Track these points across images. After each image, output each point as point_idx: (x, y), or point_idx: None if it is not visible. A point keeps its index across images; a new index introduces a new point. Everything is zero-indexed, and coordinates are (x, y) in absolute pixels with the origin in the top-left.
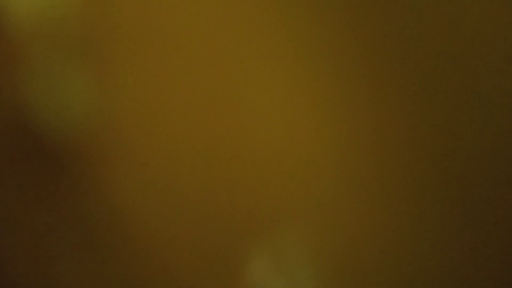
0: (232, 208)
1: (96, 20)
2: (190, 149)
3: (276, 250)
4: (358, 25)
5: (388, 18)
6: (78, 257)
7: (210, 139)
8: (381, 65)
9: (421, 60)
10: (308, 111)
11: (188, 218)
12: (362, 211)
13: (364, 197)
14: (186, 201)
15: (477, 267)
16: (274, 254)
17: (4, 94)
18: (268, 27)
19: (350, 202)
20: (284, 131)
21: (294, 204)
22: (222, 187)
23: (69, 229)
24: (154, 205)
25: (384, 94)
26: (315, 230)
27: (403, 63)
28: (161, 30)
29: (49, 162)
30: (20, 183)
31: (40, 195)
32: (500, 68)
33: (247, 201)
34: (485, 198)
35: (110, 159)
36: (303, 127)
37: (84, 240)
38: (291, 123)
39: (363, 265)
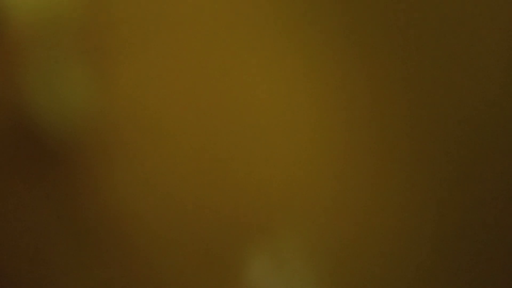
0: (231, 208)
1: (96, 20)
2: (189, 148)
3: (275, 250)
4: (358, 26)
5: (389, 19)
6: (77, 257)
7: (209, 139)
8: (381, 66)
9: (421, 61)
10: (308, 111)
11: (187, 217)
12: (362, 212)
13: (364, 197)
14: (185, 200)
15: (478, 268)
16: (274, 254)
17: (3, 94)
18: (267, 27)
19: (350, 202)
20: (283, 131)
21: (294, 204)
22: (221, 187)
23: (68, 228)
24: (154, 205)
25: (383, 95)
26: (315, 231)
27: (404, 64)
28: (161, 30)
29: (49, 162)
30: (19, 182)
31: (39, 195)
32: (500, 68)
33: (247, 201)
34: (486, 199)
35: (110, 159)
36: (303, 127)
37: (83, 240)
38: (290, 123)
39: (363, 265)
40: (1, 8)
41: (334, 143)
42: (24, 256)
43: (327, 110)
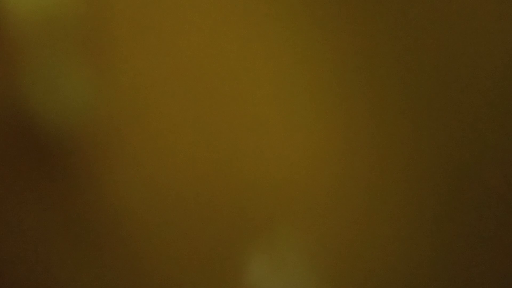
0: (231, 208)
1: (96, 19)
2: (189, 148)
3: (275, 251)
4: (357, 27)
5: (388, 18)
6: (77, 257)
7: (209, 139)
8: (381, 65)
9: (420, 62)
10: (307, 112)
11: (187, 217)
12: (362, 212)
13: (363, 197)
14: (185, 201)
15: (477, 268)
16: (273, 255)
17: (3, 94)
18: (267, 29)
19: (349, 203)
20: (283, 132)
21: (293, 205)
22: (221, 187)
23: (68, 228)
24: (153, 204)
25: (383, 95)
26: (315, 231)
27: (403, 65)
28: (161, 29)
29: (48, 161)
30: (18, 182)
31: (39, 194)
32: (500, 68)
33: (246, 201)
34: (486, 199)
35: (110, 159)
36: (302, 127)
37: (83, 239)
38: (290, 123)
39: (363, 265)
40: (1, 8)
41: (334, 143)
42: (24, 256)
43: (327, 110)
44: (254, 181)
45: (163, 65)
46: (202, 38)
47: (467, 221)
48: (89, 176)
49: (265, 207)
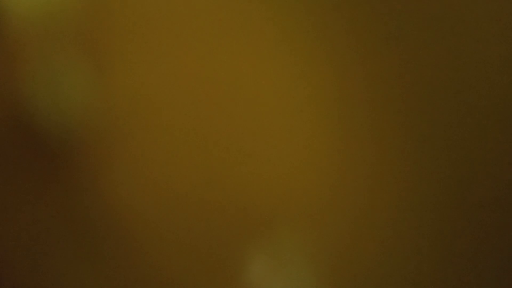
0: (231, 208)
1: (96, 19)
2: (189, 148)
3: (275, 250)
4: (356, 27)
5: (387, 18)
6: (78, 256)
7: (209, 138)
8: (380, 66)
9: (420, 61)
10: (307, 111)
11: (187, 217)
12: (361, 212)
13: (363, 198)
14: (185, 200)
15: (477, 268)
16: (273, 254)
17: (4, 93)
18: (266, 28)
19: (349, 203)
20: (283, 132)
21: (293, 204)
22: (221, 186)
23: (68, 228)
24: (154, 204)
25: (382, 95)
26: (315, 231)
27: (403, 64)
28: (161, 29)
29: (49, 160)
30: (19, 181)
31: (39, 194)
32: (500, 68)
33: (246, 201)
34: (485, 200)
35: (110, 158)
36: (302, 127)
37: (83, 238)
38: (290, 122)
39: (363, 265)
40: (1, 8)
41: (334, 144)
42: (24, 256)
43: (327, 110)
44: (255, 181)
45: (163, 65)
46: (202, 38)
47: (467, 221)
48: (89, 176)
49: (266, 207)
